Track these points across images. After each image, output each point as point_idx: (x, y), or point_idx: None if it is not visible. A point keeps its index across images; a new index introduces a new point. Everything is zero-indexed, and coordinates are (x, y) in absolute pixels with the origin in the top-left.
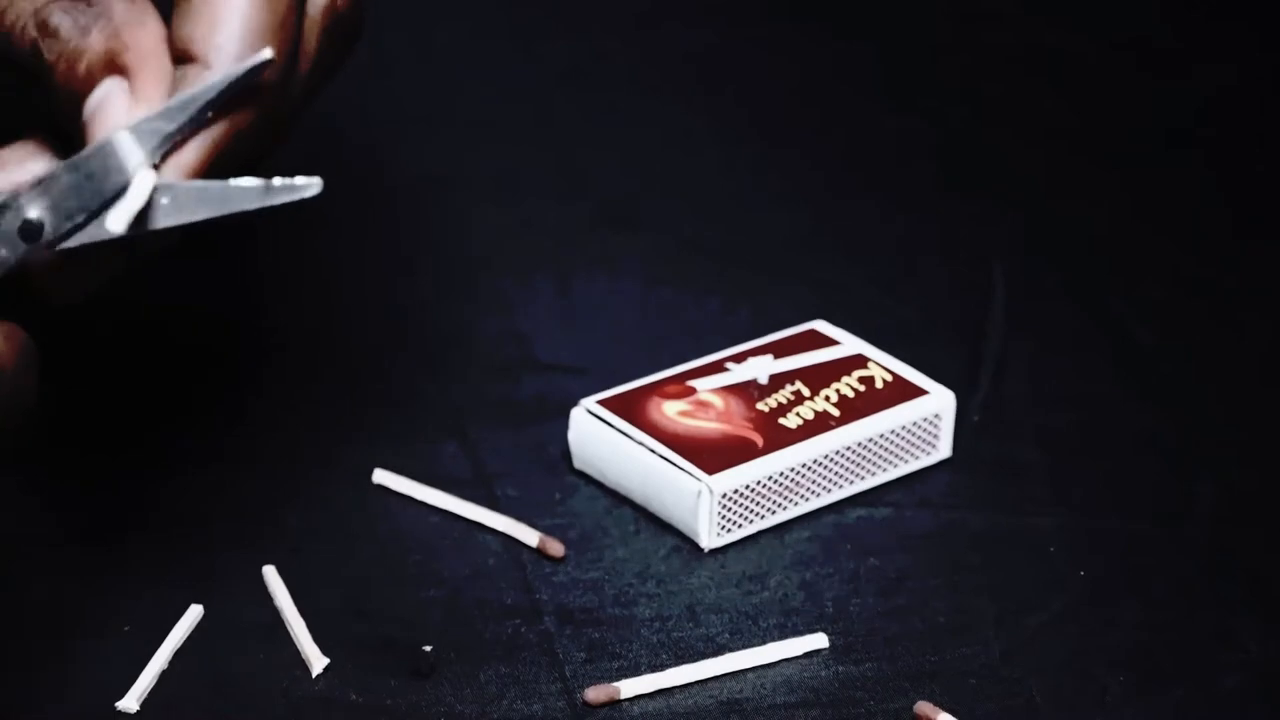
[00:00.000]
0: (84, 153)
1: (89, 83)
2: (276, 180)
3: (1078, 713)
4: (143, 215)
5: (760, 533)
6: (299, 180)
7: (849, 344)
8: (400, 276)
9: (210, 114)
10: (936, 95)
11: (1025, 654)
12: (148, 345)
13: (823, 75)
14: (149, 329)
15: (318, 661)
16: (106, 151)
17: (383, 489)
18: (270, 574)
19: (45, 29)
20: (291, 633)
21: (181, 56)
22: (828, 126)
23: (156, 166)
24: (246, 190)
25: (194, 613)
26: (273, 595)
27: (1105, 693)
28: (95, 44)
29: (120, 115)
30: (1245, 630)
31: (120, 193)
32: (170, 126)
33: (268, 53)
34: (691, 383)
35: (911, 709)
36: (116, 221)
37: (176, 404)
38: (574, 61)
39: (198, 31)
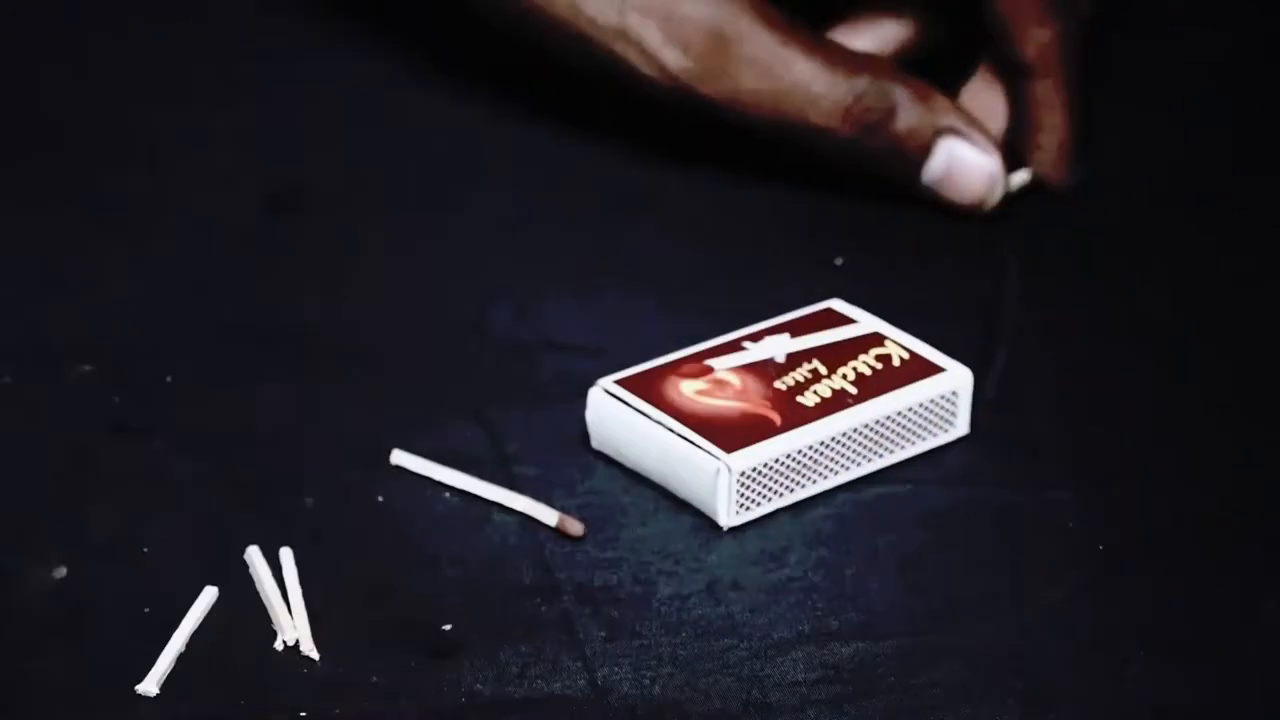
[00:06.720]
0: None
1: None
2: None
3: (1099, 687)
4: None
5: (779, 511)
6: None
7: (865, 322)
8: (408, 258)
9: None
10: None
11: (1046, 629)
12: (156, 319)
13: None
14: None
15: (289, 633)
16: None
17: (401, 470)
18: (254, 554)
19: (886, 108)
20: (267, 603)
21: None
22: None
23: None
24: None
25: (209, 595)
26: (255, 575)
27: (1126, 666)
28: (929, 115)
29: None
30: (1266, 600)
31: None
32: None
33: None
34: (709, 362)
35: (932, 688)
36: None
37: (191, 386)
38: None
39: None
